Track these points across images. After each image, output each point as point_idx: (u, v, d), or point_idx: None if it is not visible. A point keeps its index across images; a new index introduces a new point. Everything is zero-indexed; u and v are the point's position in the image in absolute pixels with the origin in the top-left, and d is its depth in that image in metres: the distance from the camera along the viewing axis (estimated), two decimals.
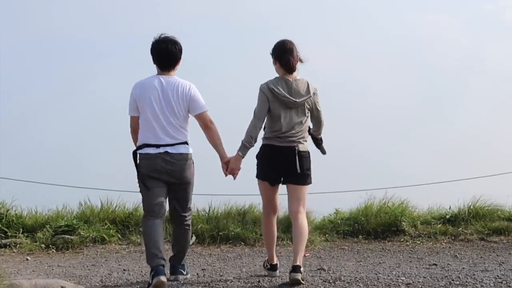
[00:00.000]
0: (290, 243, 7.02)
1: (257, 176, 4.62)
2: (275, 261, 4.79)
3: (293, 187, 4.53)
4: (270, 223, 4.69)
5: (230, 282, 4.52)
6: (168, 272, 4.63)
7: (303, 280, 4.32)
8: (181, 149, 4.44)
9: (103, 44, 14.52)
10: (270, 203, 4.66)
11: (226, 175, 4.57)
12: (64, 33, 14.08)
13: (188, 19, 14.99)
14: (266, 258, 4.88)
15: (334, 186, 8.83)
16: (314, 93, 4.56)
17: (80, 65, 13.78)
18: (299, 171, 4.46)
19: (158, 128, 4.39)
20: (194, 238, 7.03)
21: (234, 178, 4.59)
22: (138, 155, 4.46)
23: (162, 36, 4.54)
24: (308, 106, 4.55)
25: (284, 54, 4.52)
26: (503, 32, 15.30)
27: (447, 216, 7.74)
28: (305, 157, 4.53)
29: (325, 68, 14.40)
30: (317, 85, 4.64)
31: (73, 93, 13.04)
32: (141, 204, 4.63)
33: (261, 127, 4.52)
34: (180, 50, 4.58)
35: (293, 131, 4.48)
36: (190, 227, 4.79)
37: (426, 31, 15.41)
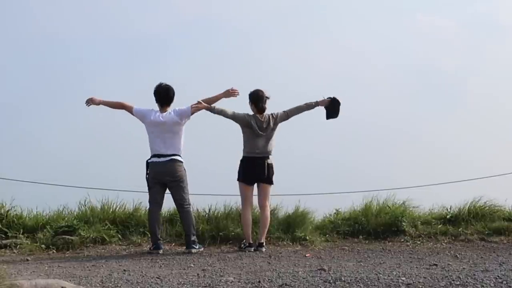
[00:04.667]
0: (290, 243, 7.04)
1: (238, 179, 6.69)
2: (251, 240, 6.61)
3: (262, 186, 6.67)
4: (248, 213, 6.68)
5: (231, 283, 4.52)
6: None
7: (264, 251, 6.50)
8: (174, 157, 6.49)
9: (99, 45, 14.57)
10: (247, 199, 6.70)
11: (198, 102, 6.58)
12: (55, 33, 14.13)
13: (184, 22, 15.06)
14: (243, 240, 6.65)
15: (334, 187, 8.84)
16: (274, 122, 6.65)
17: (78, 65, 13.81)
18: (266, 176, 6.61)
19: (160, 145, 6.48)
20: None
21: (197, 109, 6.55)
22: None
23: (162, 84, 6.58)
24: (272, 133, 6.65)
25: (258, 101, 6.66)
26: (499, 32, 15.37)
27: (448, 217, 7.74)
28: (270, 167, 6.62)
29: (323, 68, 14.43)
30: (275, 110, 6.73)
31: (72, 94, 13.04)
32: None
33: (224, 115, 6.59)
34: (173, 94, 6.59)
35: (263, 150, 6.62)
36: (191, 213, 6.60)
37: (422, 31, 15.46)
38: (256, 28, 15.25)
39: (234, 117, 6.64)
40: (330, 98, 6.72)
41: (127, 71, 14.18)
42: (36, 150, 11.67)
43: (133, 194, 7.62)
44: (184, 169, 6.53)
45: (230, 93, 6.67)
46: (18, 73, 13.65)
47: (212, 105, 6.60)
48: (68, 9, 14.53)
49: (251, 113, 6.72)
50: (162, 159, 6.45)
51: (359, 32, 15.41)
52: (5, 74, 13.21)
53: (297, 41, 14.81)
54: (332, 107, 6.72)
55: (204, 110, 6.62)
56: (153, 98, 6.62)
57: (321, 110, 6.81)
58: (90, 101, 6.63)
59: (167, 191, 6.59)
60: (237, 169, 6.72)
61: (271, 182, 6.68)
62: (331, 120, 6.77)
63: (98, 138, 12.02)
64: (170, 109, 6.60)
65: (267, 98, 6.69)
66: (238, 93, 6.68)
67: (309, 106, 6.76)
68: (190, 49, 14.88)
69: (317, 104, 6.74)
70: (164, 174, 6.45)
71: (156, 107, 6.62)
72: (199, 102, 6.55)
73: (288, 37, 15.07)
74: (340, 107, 6.71)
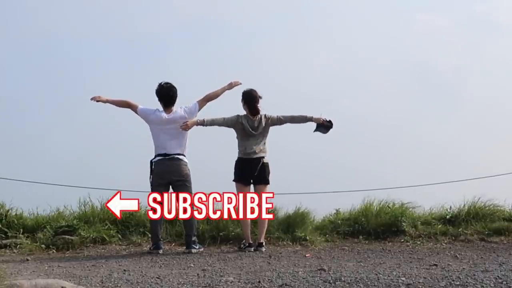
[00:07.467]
0: (290, 243, 7.04)
1: (234, 180, 6.67)
2: (250, 240, 6.65)
3: (258, 185, 6.66)
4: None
5: (231, 283, 4.52)
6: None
7: (264, 250, 6.52)
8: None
9: (99, 45, 14.58)
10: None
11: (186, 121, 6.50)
12: (55, 33, 14.13)
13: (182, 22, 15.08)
14: (243, 241, 6.68)
15: (334, 186, 8.84)
16: (266, 123, 6.66)
17: (78, 65, 13.81)
18: (262, 175, 6.61)
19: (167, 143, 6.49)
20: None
21: (187, 126, 6.49)
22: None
23: (163, 84, 6.56)
24: (265, 133, 6.66)
25: (251, 101, 6.68)
26: (498, 31, 15.38)
27: (448, 217, 7.74)
28: (266, 166, 6.65)
29: (322, 68, 14.43)
30: (268, 112, 6.72)
31: (73, 94, 13.05)
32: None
33: (216, 124, 6.64)
34: (176, 94, 6.57)
35: (257, 149, 6.61)
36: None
37: (421, 31, 15.47)
38: (256, 28, 15.25)
39: (226, 123, 6.68)
40: (326, 120, 6.72)
41: (127, 71, 14.18)
42: (36, 150, 11.67)
43: (133, 194, 7.61)
44: (189, 169, 6.55)
45: (233, 85, 6.81)
46: (19, 73, 13.65)
47: (201, 118, 6.57)
48: (68, 9, 14.53)
49: (242, 113, 6.74)
50: (168, 158, 6.45)
51: (358, 32, 15.40)
52: (5, 74, 13.21)
53: (297, 40, 14.80)
54: (324, 127, 6.76)
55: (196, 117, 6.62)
56: (153, 98, 6.61)
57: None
58: (97, 98, 6.61)
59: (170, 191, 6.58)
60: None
61: (267, 182, 6.70)
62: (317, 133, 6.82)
63: (98, 138, 12.03)
64: (175, 107, 6.61)
65: (260, 97, 6.73)
66: (240, 82, 6.85)
67: (304, 119, 6.77)
68: (190, 49, 14.88)
69: (311, 119, 6.74)
70: (170, 173, 6.45)
71: (160, 106, 6.62)
72: (187, 121, 6.49)
73: (288, 37, 15.07)
74: (331, 130, 6.77)
